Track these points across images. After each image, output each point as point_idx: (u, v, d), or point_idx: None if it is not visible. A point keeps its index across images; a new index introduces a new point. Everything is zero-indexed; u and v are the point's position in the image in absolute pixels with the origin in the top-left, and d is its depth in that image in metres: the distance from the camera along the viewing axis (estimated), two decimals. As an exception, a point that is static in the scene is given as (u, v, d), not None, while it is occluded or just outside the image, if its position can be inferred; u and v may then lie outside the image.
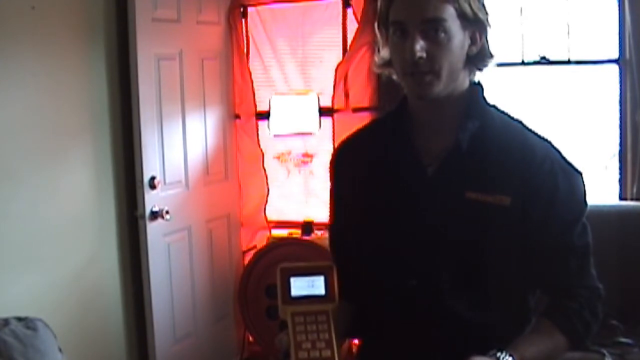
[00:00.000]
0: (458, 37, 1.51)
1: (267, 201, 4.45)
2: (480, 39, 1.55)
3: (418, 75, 1.52)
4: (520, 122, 1.64)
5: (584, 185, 1.60)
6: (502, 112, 1.65)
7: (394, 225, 1.61)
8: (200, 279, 4.21)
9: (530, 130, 1.62)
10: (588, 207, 1.61)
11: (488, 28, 1.55)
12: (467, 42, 1.54)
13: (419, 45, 1.48)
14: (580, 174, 1.61)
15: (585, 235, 1.60)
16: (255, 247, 4.51)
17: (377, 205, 1.64)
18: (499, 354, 1.44)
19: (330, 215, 1.80)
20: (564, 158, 1.60)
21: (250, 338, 4.49)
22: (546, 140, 1.61)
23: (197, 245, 4.18)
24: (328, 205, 1.80)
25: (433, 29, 1.48)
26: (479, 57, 1.56)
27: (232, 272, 4.47)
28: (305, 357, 1.40)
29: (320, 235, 4.26)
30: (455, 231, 1.55)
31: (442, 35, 1.49)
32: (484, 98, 1.63)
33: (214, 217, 4.33)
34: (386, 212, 1.62)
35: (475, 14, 1.51)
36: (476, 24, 1.53)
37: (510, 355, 1.44)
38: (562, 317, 1.56)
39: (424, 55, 1.49)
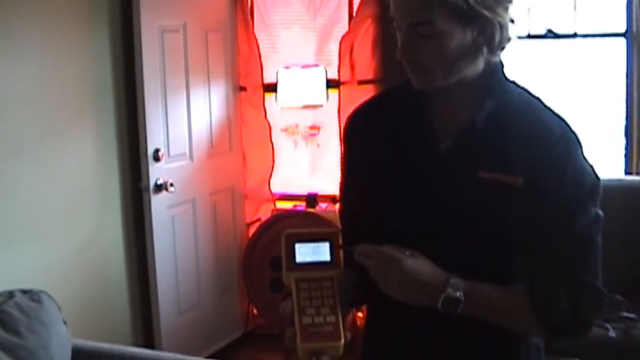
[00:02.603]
0: (453, 34, 1.48)
1: (272, 174, 4.45)
2: (490, 29, 1.50)
3: (411, 69, 1.54)
4: (539, 99, 1.61)
5: (596, 175, 1.56)
6: (522, 88, 1.62)
7: (403, 200, 1.59)
8: (205, 251, 4.22)
9: (548, 108, 1.60)
10: (599, 196, 1.54)
11: (499, 18, 1.48)
12: (471, 34, 1.50)
13: (406, 44, 1.51)
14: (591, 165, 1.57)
15: (590, 228, 1.52)
16: (259, 219, 4.51)
17: (386, 179, 1.62)
18: (450, 274, 1.45)
19: (340, 186, 1.79)
20: (579, 141, 1.57)
21: (255, 310, 4.51)
22: (563, 119, 1.58)
23: (202, 218, 4.19)
24: (339, 177, 1.78)
25: (421, 30, 1.49)
26: (490, 46, 1.52)
27: (236, 245, 4.47)
28: (310, 322, 1.38)
29: (325, 208, 4.26)
30: (464, 209, 1.53)
31: (431, 35, 1.48)
32: (504, 75, 1.61)
33: (218, 189, 4.32)
34: (396, 186, 1.61)
35: (473, 8, 1.46)
36: (479, 18, 1.48)
37: (460, 280, 1.44)
38: (538, 291, 1.50)
39: (411, 54, 1.51)
